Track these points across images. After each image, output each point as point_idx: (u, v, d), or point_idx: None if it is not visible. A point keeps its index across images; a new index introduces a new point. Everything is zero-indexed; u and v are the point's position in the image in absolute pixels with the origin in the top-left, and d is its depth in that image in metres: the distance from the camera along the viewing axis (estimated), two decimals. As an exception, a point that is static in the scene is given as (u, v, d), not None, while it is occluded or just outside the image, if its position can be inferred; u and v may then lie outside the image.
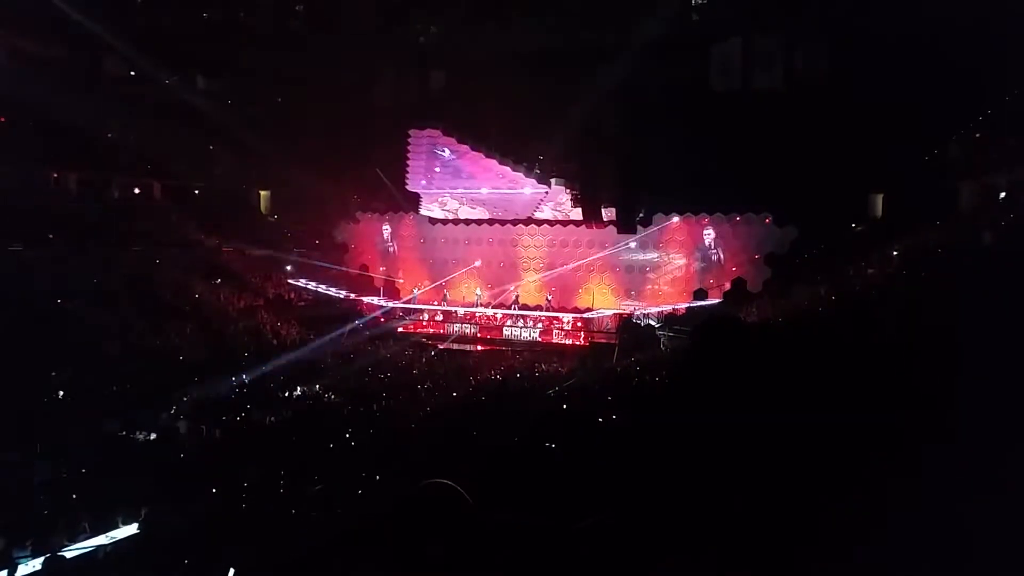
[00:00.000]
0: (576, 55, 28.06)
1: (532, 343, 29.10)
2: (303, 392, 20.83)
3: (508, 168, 30.21)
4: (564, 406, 16.26)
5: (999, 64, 20.67)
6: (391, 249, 35.02)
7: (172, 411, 17.79)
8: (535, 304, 31.23)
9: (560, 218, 32.67)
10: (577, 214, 32.18)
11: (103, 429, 16.26)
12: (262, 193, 38.65)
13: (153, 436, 16.16)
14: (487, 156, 30.00)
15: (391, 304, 32.62)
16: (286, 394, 20.64)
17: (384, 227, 35.01)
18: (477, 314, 30.98)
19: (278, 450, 15.42)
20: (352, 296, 32.40)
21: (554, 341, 29.17)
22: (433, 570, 3.14)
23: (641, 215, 30.40)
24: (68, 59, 30.61)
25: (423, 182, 32.81)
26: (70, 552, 10.00)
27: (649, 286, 30.56)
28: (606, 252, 30.68)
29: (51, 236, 26.17)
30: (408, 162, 31.73)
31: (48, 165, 30.06)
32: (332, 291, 31.83)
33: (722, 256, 29.27)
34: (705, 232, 29.42)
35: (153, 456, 14.92)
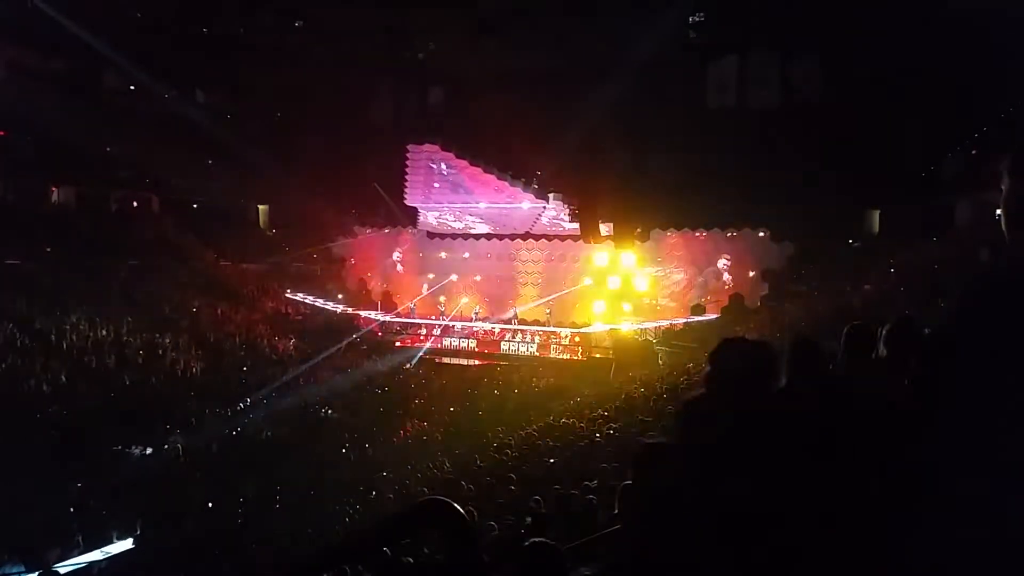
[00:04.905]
0: (574, 71, 28.23)
1: (531, 358, 29.08)
2: (301, 406, 20.77)
3: (506, 183, 30.29)
4: (562, 421, 16.23)
5: (995, 80, 20.83)
6: (399, 267, 34.87)
7: (168, 426, 17.73)
8: (533, 319, 31.19)
9: (559, 231, 32.62)
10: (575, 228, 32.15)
11: (99, 444, 16.19)
12: (260, 208, 38.68)
13: (149, 451, 16.11)
14: (485, 171, 30.09)
15: (388, 318, 32.57)
16: (284, 409, 20.57)
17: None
18: (475, 328, 30.93)
19: (274, 465, 15.37)
20: (349, 310, 32.35)
21: (552, 356, 29.14)
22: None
23: (639, 230, 30.42)
24: (67, 73, 30.73)
25: (421, 197, 32.87)
26: (64, 567, 9.94)
27: (647, 301, 30.50)
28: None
29: (48, 249, 26.18)
30: (407, 177, 31.82)
31: (46, 178, 30.12)
32: (330, 305, 31.79)
33: (724, 273, 29.22)
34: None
35: (149, 471, 14.86)
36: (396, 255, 34.84)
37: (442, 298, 32.69)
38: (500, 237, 33.29)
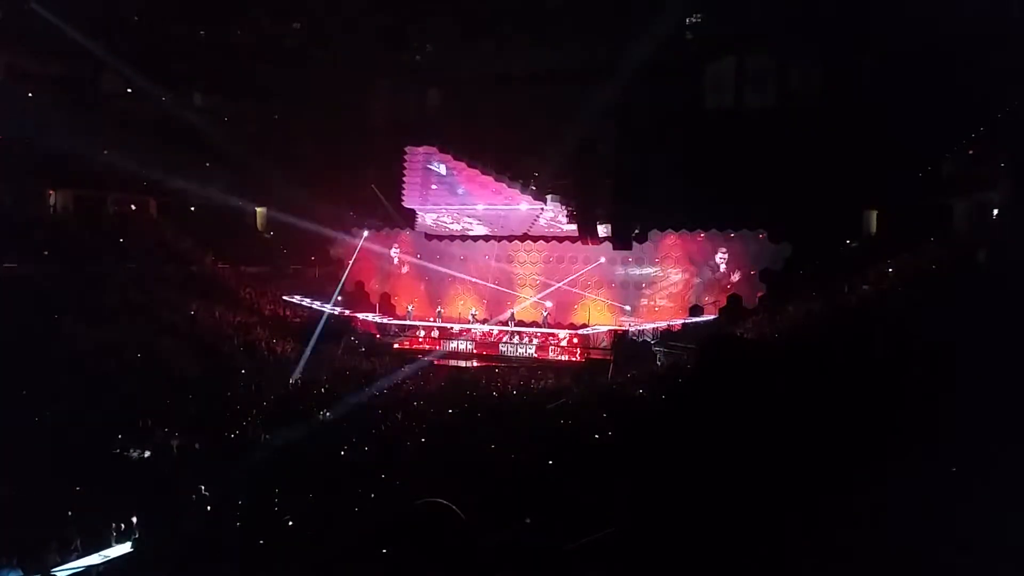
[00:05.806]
0: (571, 73, 28.24)
1: (528, 359, 29.08)
2: (299, 409, 20.71)
3: (504, 184, 30.30)
4: (561, 421, 16.23)
5: (993, 81, 20.85)
6: (396, 264, 34.84)
7: (167, 428, 17.69)
8: (531, 320, 31.21)
9: (558, 232, 32.65)
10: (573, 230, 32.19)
11: (98, 447, 16.16)
12: (258, 210, 38.66)
13: (147, 453, 16.08)
14: (483, 173, 30.10)
15: (386, 321, 32.55)
16: (282, 411, 20.50)
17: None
18: (473, 330, 30.93)
19: (273, 467, 15.33)
20: (347, 312, 32.33)
21: (550, 357, 29.15)
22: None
23: (637, 231, 30.44)
24: (65, 77, 30.68)
25: (419, 198, 32.89)
26: (62, 572, 9.91)
27: (645, 302, 30.54)
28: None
29: (46, 253, 26.12)
30: (404, 178, 31.83)
31: (44, 182, 30.07)
32: (327, 308, 31.77)
33: (723, 272, 29.24)
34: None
35: (147, 474, 14.82)
36: (394, 257, 34.83)
37: (440, 309, 32.71)
38: (498, 239, 33.30)
